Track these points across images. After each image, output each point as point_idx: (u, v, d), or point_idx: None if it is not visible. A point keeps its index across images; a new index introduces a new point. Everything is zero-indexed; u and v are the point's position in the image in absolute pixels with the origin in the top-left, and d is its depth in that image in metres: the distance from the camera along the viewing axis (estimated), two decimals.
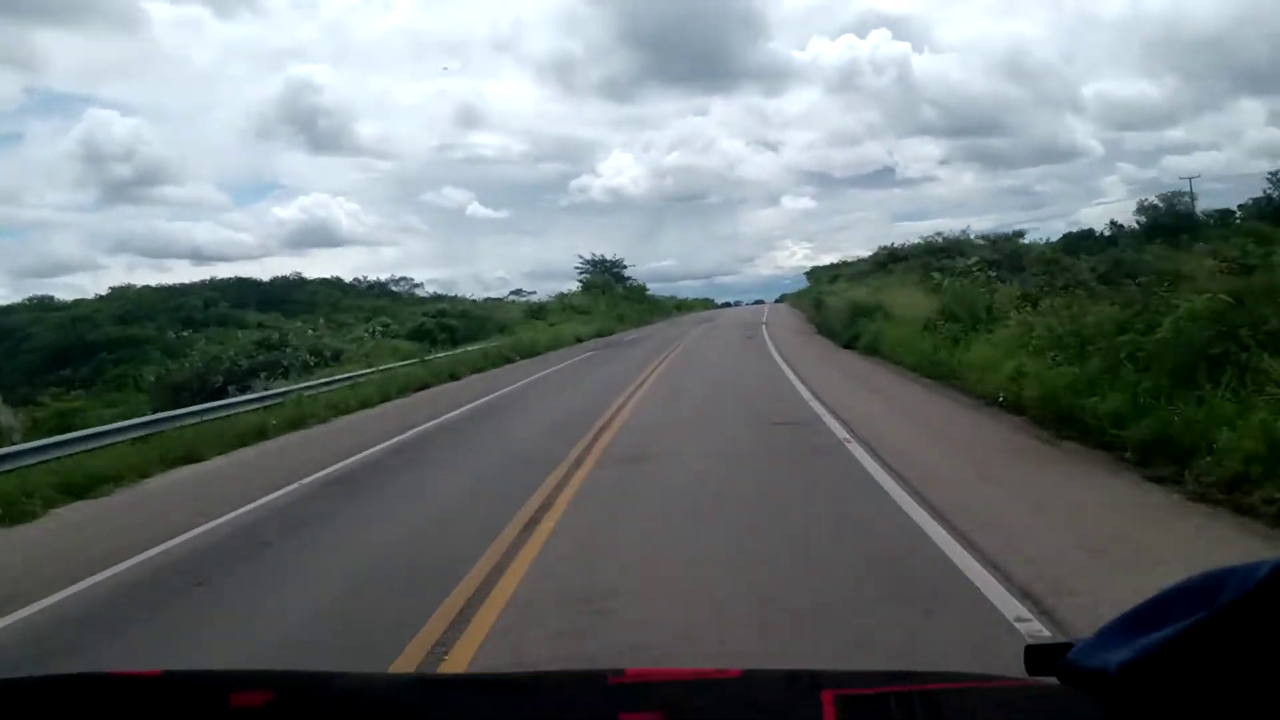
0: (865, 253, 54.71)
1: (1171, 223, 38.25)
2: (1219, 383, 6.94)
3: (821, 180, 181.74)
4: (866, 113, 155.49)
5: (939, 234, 39.33)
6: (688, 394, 13.57)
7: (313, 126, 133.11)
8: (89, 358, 45.44)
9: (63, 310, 58.12)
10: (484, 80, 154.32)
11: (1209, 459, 6.14)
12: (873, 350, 18.94)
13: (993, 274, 14.90)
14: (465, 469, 8.83)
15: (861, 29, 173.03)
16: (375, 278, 73.36)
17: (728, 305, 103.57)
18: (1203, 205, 45.72)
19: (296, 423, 13.42)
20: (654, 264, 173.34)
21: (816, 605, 4.38)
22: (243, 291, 60.64)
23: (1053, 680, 0.75)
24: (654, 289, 77.19)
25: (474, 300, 49.81)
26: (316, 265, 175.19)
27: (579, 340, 34.79)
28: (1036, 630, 3.85)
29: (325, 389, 15.93)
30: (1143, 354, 8.28)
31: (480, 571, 5.29)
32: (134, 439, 10.70)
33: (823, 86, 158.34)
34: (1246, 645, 0.59)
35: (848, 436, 9.12)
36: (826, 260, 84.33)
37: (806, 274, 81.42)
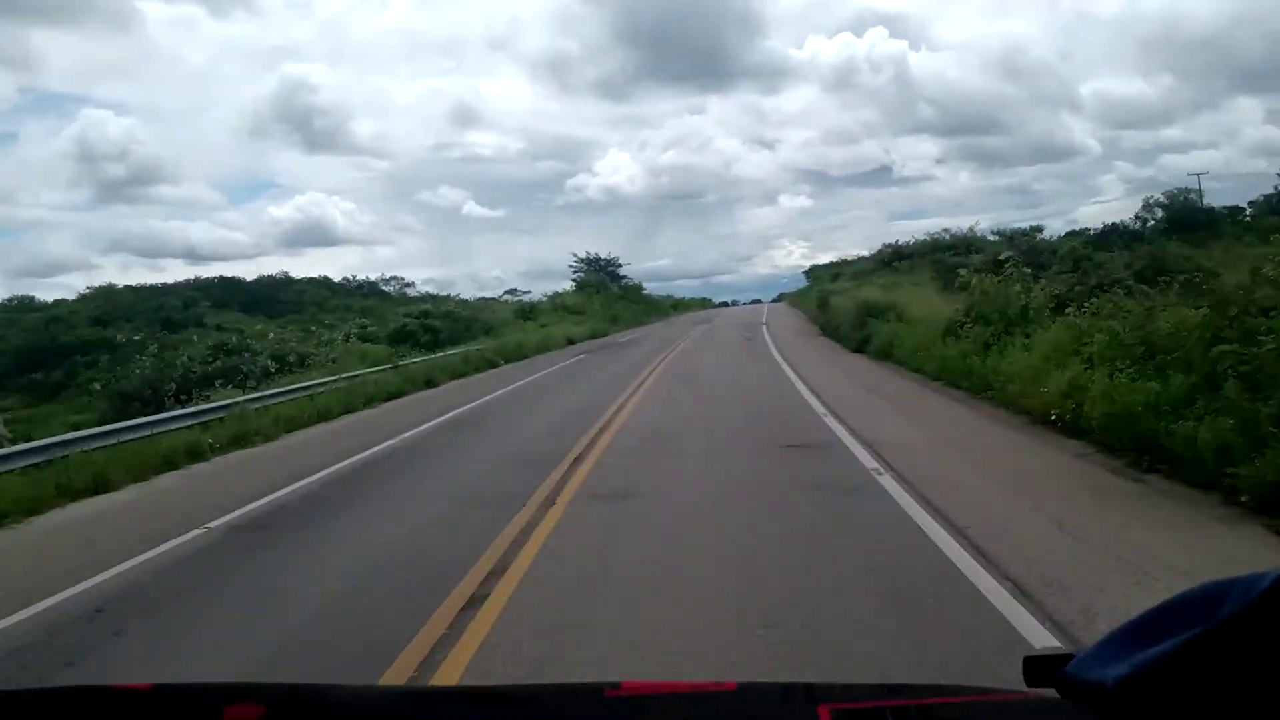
0: (862, 252, 53.54)
1: (1187, 219, 36.68)
2: None
3: (818, 179, 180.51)
4: (863, 111, 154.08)
5: (946, 230, 37.90)
6: (683, 408, 11.93)
7: (308, 126, 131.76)
8: (62, 360, 43.71)
9: (42, 311, 56.39)
10: (480, 79, 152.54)
11: None
12: (885, 354, 17.35)
13: (1028, 271, 13.30)
14: (411, 512, 7.19)
15: (859, 27, 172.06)
16: (365, 277, 71.71)
17: (725, 305, 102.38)
18: (1207, 203, 44.49)
19: (239, 440, 11.77)
20: (650, 263, 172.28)
21: None
22: (226, 291, 58.92)
23: (1051, 693, 0.73)
24: (650, 288, 75.71)
25: (462, 300, 48.09)
26: (313, 265, 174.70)
27: (571, 342, 33.16)
28: None
29: (281, 400, 14.29)
30: (1247, 368, 6.68)
31: (395, 678, 3.71)
32: (29, 465, 9.03)
33: (820, 85, 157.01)
34: (1247, 659, 0.58)
35: (878, 467, 7.51)
36: (824, 259, 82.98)
37: (805, 273, 79.99)
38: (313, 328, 32.59)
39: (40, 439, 9.96)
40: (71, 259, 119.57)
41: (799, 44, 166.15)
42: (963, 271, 13.90)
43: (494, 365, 24.06)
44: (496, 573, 5.19)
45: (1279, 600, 0.57)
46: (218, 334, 19.80)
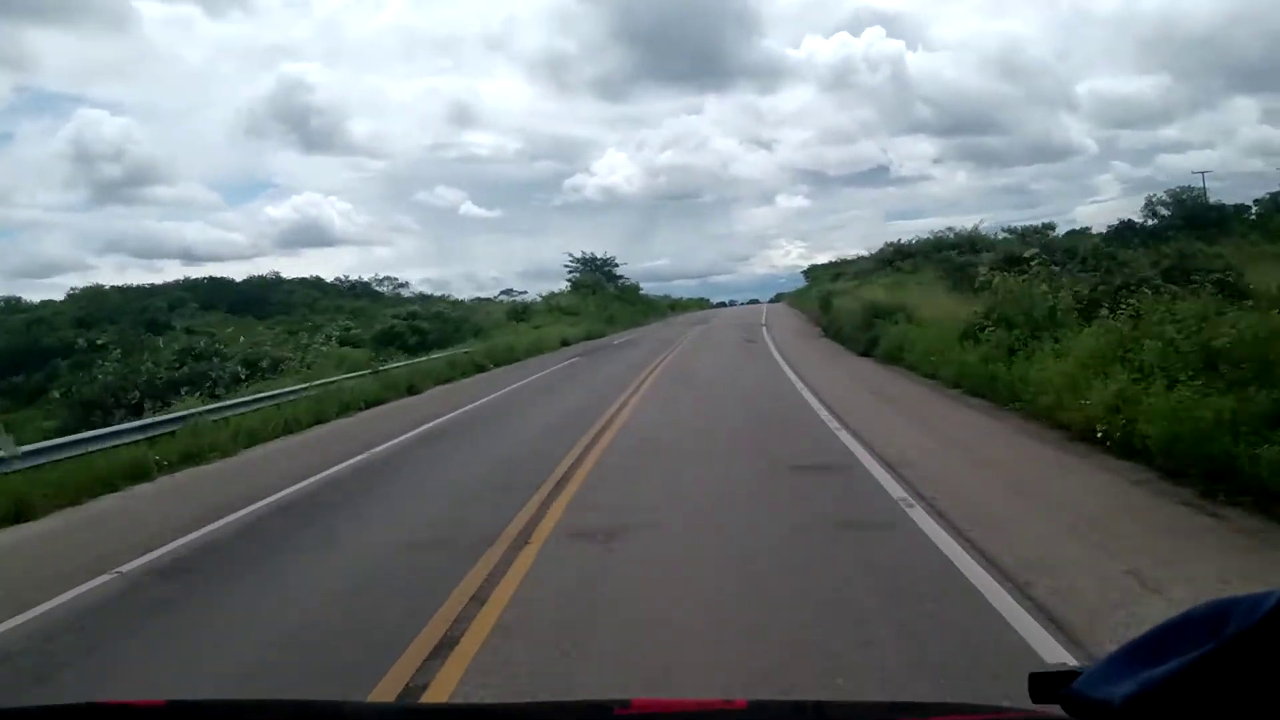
0: (860, 251, 52.47)
1: (1200, 217, 35.68)
2: None
3: (816, 179, 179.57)
4: (861, 111, 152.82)
5: (949, 229, 36.86)
6: (680, 422, 10.85)
7: (304, 125, 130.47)
8: (43, 363, 42.50)
9: (28, 312, 55.16)
10: (477, 79, 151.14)
11: None
12: (895, 358, 16.30)
13: (1055, 269, 12.25)
14: (355, 556, 6.08)
15: (856, 27, 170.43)
16: (357, 277, 70.55)
17: (722, 305, 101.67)
18: (1217, 200, 43.56)
19: (191, 457, 10.70)
20: (648, 263, 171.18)
21: None
22: (215, 292, 57.77)
23: (1056, 709, 0.73)
24: (648, 288, 74.76)
25: (453, 300, 47.04)
26: (310, 265, 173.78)
27: (565, 344, 32.12)
28: None
29: (246, 410, 13.21)
30: None
31: None
32: None
33: (817, 85, 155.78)
34: (1252, 678, 0.58)
35: (905, 496, 6.45)
36: (822, 259, 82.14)
37: (804, 272, 79.07)
38: (294, 330, 31.57)
39: None
40: (68, 260, 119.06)
41: (796, 44, 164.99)
42: (982, 270, 12.85)
43: (482, 369, 22.99)
44: (446, 644, 4.13)
45: None
46: (187, 338, 18.69)
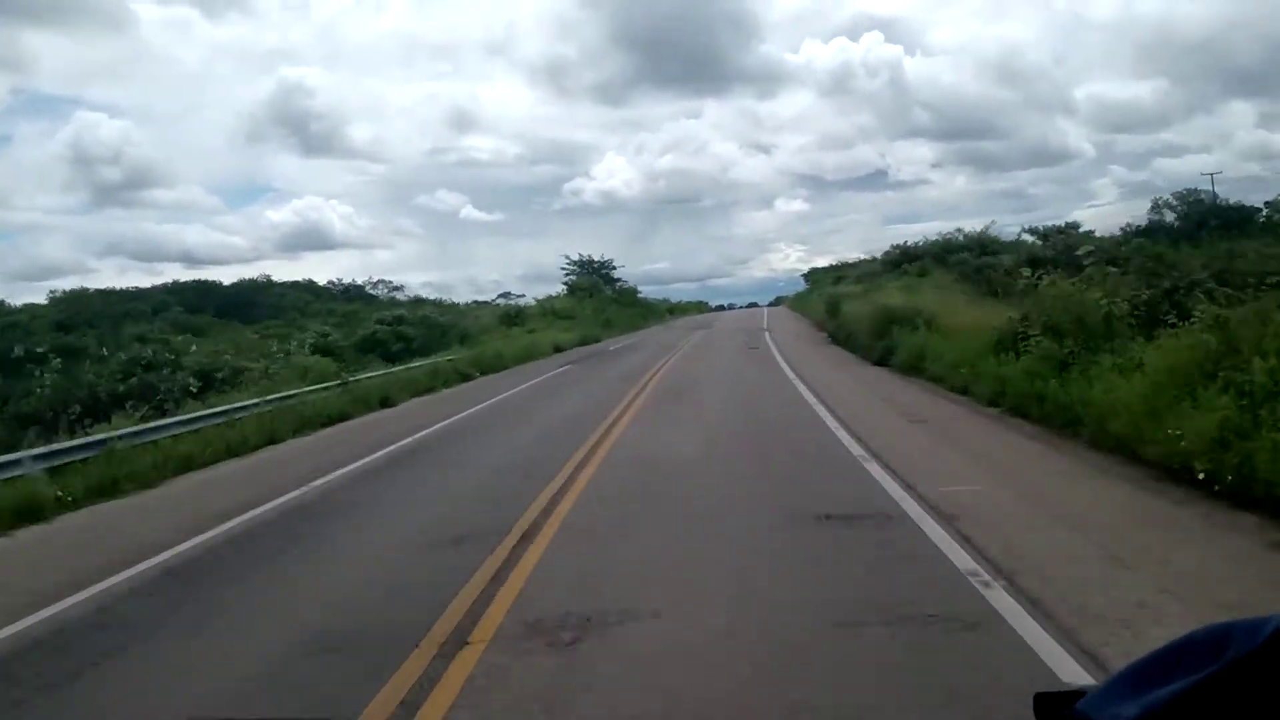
0: (858, 255, 50.96)
1: (1218, 217, 34.13)
2: None
3: (814, 183, 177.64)
4: (859, 116, 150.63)
5: (959, 229, 35.33)
6: (675, 451, 9.20)
7: (305, 129, 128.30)
8: (17, 370, 40.85)
9: (7, 316, 53.47)
10: (477, 83, 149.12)
11: None
12: (915, 369, 14.73)
13: (1112, 270, 10.67)
14: (231, 659, 4.47)
15: (854, 32, 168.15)
16: (351, 280, 68.98)
17: (721, 308, 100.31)
18: (1236, 201, 42.11)
19: (103, 490, 9.12)
20: (647, 266, 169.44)
21: None
22: (201, 296, 56.07)
23: None
24: (647, 292, 73.32)
25: (443, 304, 45.58)
26: (310, 269, 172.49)
27: (558, 349, 30.53)
28: None
29: (189, 429, 11.62)
30: None
31: None
32: None
33: (815, 89, 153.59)
34: (1252, 701, 0.59)
35: (977, 569, 4.86)
36: (821, 262, 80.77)
37: (805, 276, 77.67)
38: (280, 335, 29.99)
39: None
40: (67, 263, 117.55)
41: (795, 49, 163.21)
42: (1025, 272, 11.28)
43: (467, 378, 21.40)
44: None
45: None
46: (138, 346, 17.10)
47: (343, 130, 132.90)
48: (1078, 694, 0.73)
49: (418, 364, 20.77)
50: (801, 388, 14.15)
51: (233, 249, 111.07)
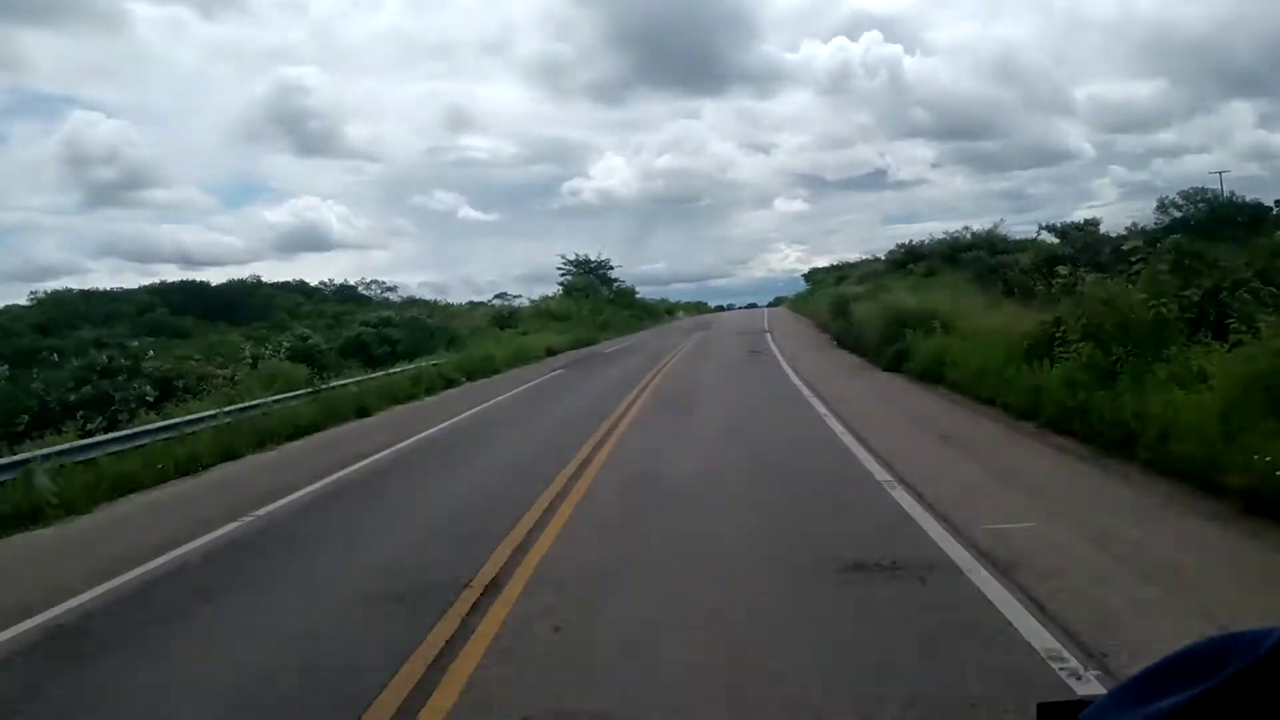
0: (858, 255, 49.98)
1: (1242, 214, 33.09)
2: None
3: (813, 183, 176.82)
4: (858, 115, 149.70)
5: (966, 227, 34.23)
6: (671, 475, 8.03)
7: (301, 129, 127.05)
8: None
9: None
10: (474, 83, 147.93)
11: None
12: (932, 376, 13.62)
13: (1162, 268, 9.59)
14: None
15: (853, 31, 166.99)
16: (343, 280, 67.85)
17: (720, 309, 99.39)
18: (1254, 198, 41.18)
19: (19, 520, 7.99)
20: (646, 267, 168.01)
21: None
22: (188, 297, 54.89)
23: None
24: (646, 292, 72.30)
25: (432, 304, 44.40)
26: (307, 270, 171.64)
27: (550, 353, 29.40)
28: None
29: (135, 444, 10.48)
30: None
31: None
32: None
33: (814, 89, 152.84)
34: (1254, 714, 0.59)
35: (1057, 648, 3.75)
36: (820, 262, 79.89)
37: (805, 276, 76.67)
38: (254, 339, 28.89)
39: None
40: (63, 263, 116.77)
41: (793, 48, 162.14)
42: (1061, 270, 10.18)
43: (453, 384, 20.28)
44: None
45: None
46: (96, 351, 15.95)
47: (339, 130, 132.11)
48: (1081, 704, 0.73)
49: (400, 369, 19.62)
50: (810, 397, 13.04)
51: (229, 250, 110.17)
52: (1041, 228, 27.84)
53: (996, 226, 33.09)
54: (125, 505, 8.83)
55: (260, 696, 3.92)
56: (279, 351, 19.81)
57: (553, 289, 54.67)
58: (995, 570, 4.82)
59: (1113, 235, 22.39)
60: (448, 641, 4.29)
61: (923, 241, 36.92)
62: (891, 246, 39.59)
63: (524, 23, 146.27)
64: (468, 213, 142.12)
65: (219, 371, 15.91)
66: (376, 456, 10.23)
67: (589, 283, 55.39)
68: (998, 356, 11.52)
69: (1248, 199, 36.49)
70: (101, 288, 56.62)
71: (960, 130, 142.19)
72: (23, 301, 54.95)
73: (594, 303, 50.40)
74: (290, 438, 12.64)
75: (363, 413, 15.24)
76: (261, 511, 7.68)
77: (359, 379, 17.15)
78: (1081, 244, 19.98)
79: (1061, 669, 3.58)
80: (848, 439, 9.20)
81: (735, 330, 36.78)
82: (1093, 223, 26.72)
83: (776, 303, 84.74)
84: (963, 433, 9.35)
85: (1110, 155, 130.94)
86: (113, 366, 14.59)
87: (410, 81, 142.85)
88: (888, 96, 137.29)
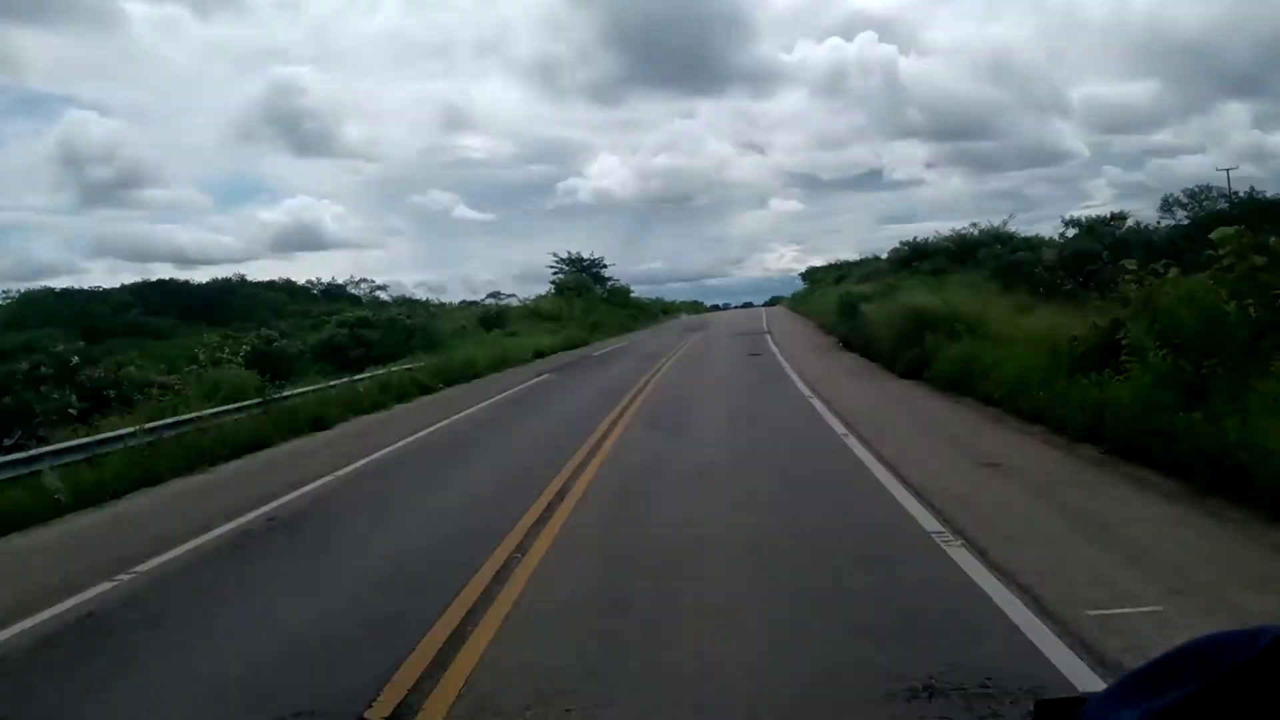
0: (855, 254, 48.60)
1: (1255, 211, 31.53)
2: None
3: (809, 183, 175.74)
4: (854, 115, 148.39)
5: (974, 224, 32.72)
6: (660, 525, 6.40)
7: (297, 128, 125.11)
8: None
9: None
10: (470, 83, 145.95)
11: None
12: (960, 385, 12.04)
13: (1259, 261, 8.00)
14: None
15: (848, 32, 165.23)
16: (331, 279, 66.09)
17: (716, 308, 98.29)
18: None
19: None
20: (642, 266, 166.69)
21: None
22: (168, 296, 53.08)
23: None
24: (641, 291, 70.85)
25: (426, 303, 42.85)
26: (303, 269, 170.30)
27: (539, 355, 27.80)
28: None
29: (23, 471, 8.84)
30: None
31: None
32: None
33: (810, 89, 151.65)
34: (1246, 711, 0.59)
35: None
36: (816, 262, 78.61)
37: (803, 275, 75.24)
38: (229, 338, 27.22)
39: None
40: (59, 263, 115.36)
41: (789, 48, 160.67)
42: (1129, 265, 8.62)
43: (429, 390, 18.66)
44: None
45: (1275, 657, 0.58)
46: (26, 356, 14.34)
47: (335, 129, 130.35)
48: (1079, 700, 0.72)
49: (367, 375, 17.98)
50: (824, 410, 11.44)
51: (225, 249, 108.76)
52: (1066, 222, 26.17)
53: (1006, 223, 31.57)
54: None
55: None
56: (236, 355, 18.15)
57: (546, 288, 53.11)
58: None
59: (1148, 228, 20.82)
60: None
61: (928, 239, 35.43)
62: (894, 245, 38.07)
63: (520, 23, 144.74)
64: (464, 212, 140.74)
65: (166, 379, 14.26)
66: (306, 488, 8.51)
67: (581, 281, 53.79)
68: (1041, 366, 9.97)
69: (1268, 195, 35.00)
70: (83, 286, 54.83)
71: (956, 130, 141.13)
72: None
73: (587, 302, 48.78)
74: (228, 457, 11.01)
75: (318, 425, 13.62)
76: (142, 568, 6.04)
77: (316, 388, 15.49)
78: (1112, 240, 18.38)
79: None
80: (878, 469, 7.58)
81: (733, 331, 35.18)
82: (1121, 215, 25.03)
83: (773, 302, 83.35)
84: (1014, 459, 7.76)
85: (1105, 156, 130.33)
86: (38, 374, 12.94)
87: (407, 81, 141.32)
88: (883, 97, 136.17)
